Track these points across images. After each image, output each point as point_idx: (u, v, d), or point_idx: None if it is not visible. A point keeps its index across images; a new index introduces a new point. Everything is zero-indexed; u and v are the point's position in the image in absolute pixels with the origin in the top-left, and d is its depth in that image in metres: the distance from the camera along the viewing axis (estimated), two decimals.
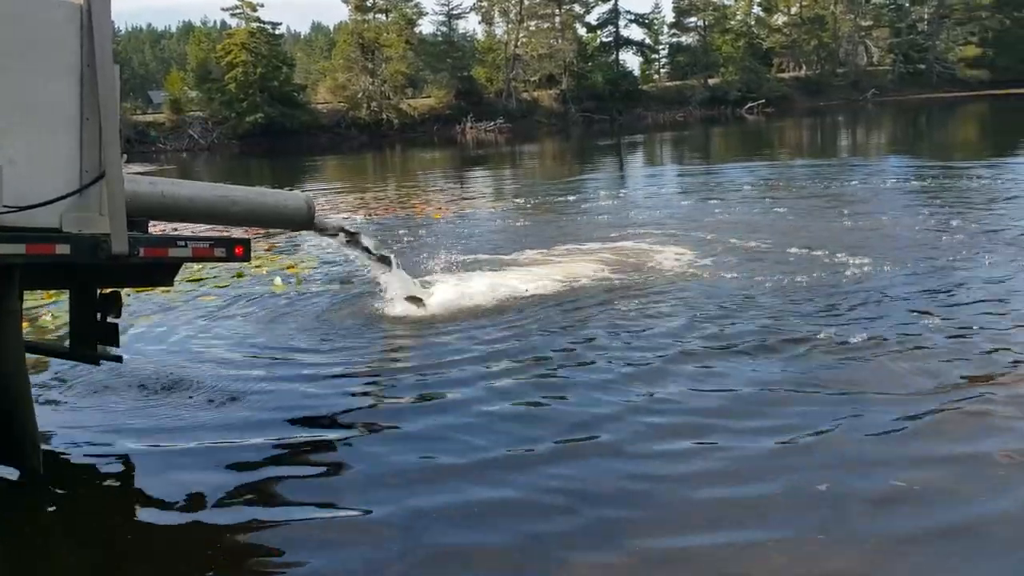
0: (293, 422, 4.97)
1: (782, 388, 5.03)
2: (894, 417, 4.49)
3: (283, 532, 3.73)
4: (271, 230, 10.55)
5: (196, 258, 4.67)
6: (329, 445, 4.64)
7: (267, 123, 54.48)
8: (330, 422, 4.99)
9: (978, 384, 4.92)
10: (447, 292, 7.77)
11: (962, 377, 5.05)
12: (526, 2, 65.40)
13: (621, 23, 69.96)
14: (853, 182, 15.72)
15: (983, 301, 6.65)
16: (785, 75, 71.12)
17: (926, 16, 72.02)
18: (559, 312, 7.09)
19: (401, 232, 12.75)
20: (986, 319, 6.15)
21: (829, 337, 5.84)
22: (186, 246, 4.49)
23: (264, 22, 58.97)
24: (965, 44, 69.78)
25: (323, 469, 4.40)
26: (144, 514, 4.10)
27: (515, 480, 4.04)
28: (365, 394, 5.45)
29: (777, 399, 4.85)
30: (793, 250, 9.06)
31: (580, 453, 4.30)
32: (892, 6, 73.96)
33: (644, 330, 6.35)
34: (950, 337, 5.78)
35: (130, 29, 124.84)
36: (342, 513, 3.84)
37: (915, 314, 6.35)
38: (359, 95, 59.38)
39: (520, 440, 4.50)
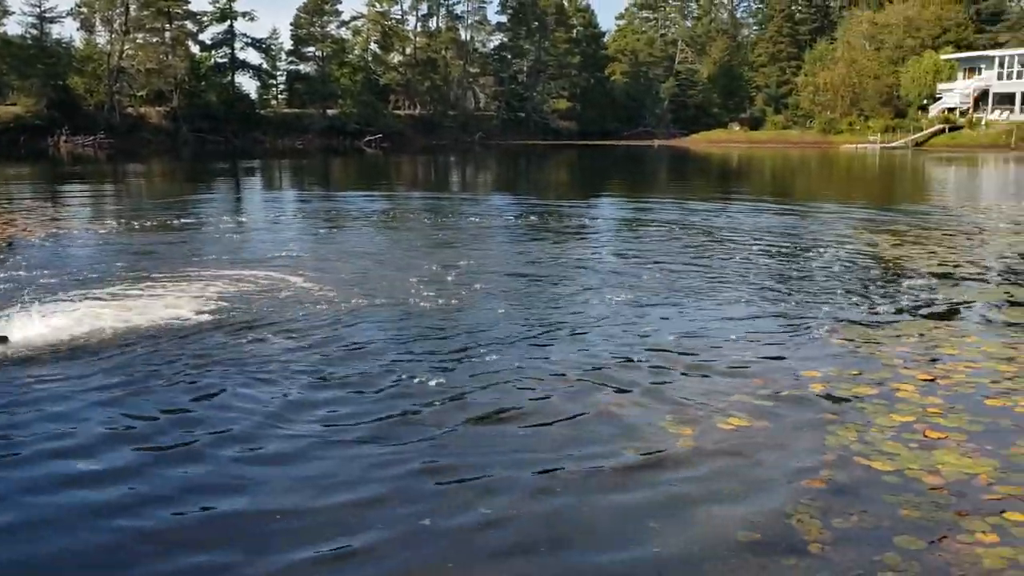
0: None
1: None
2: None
3: None
4: None
5: None
6: None
7: None
8: None
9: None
10: (35, 326, 6.70)
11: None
12: (132, 13, 60.99)
13: (237, 45, 68.06)
14: (470, 217, 16.56)
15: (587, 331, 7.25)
16: (401, 112, 73.96)
17: (525, 69, 79.43)
18: (164, 352, 6.31)
19: None
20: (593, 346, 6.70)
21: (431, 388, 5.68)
22: None
23: None
24: (557, 97, 78.12)
25: None
26: None
27: None
28: None
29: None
30: (416, 281, 9.19)
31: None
32: (496, 57, 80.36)
33: (263, 382, 5.68)
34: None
35: None
36: None
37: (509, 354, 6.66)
38: None
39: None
